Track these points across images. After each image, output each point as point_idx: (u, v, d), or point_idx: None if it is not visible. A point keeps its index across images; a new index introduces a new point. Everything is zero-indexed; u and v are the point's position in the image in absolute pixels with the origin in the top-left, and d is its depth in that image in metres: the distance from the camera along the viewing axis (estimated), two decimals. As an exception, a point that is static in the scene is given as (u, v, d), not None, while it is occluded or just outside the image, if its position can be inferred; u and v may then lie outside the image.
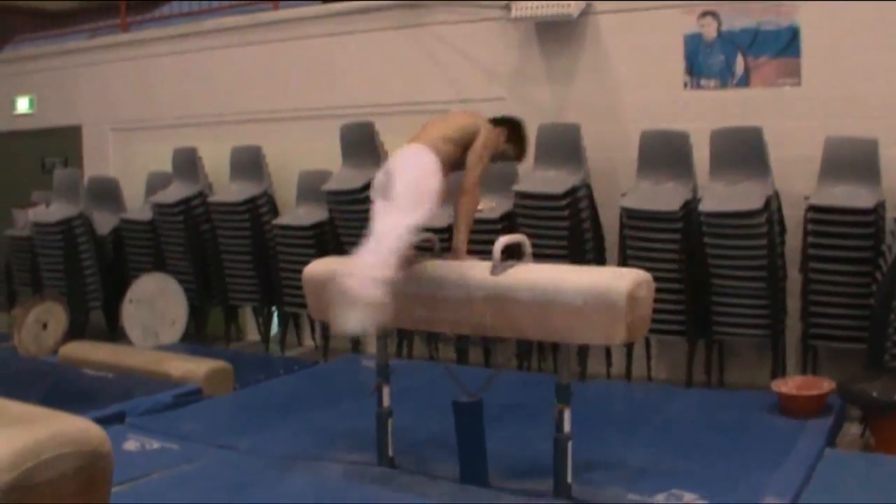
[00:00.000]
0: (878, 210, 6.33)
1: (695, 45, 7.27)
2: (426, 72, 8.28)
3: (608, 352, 7.40)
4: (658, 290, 4.63)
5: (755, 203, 6.50)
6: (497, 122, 5.15)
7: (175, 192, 9.03)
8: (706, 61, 7.24)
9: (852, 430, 5.95)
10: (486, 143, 4.95)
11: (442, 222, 7.41)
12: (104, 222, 9.48)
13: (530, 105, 7.83)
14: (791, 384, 5.99)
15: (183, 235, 8.96)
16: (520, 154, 5.28)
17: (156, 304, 8.76)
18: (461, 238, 4.90)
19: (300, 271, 5.34)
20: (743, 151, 6.76)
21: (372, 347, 7.20)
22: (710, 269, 6.72)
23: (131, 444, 5.54)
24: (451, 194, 4.95)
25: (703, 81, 7.28)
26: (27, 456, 2.15)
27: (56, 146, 10.84)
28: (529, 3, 7.58)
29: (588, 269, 4.96)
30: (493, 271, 4.53)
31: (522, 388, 6.32)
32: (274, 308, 8.93)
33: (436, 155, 4.81)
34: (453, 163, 4.93)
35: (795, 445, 5.19)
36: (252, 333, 9.38)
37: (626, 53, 7.51)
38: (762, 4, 6.99)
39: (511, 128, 5.17)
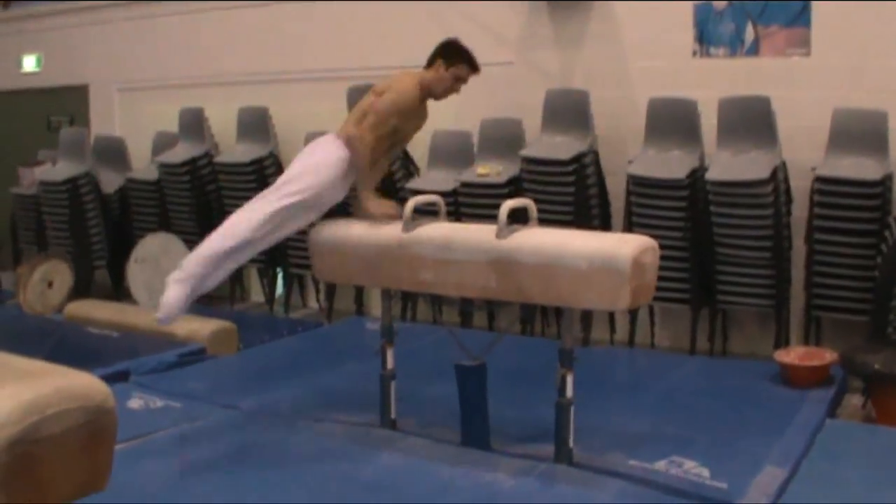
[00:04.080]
0: (885, 182, 6.32)
1: (705, 13, 7.23)
2: (434, 35, 8.19)
3: (612, 318, 7.42)
4: (663, 258, 4.63)
5: (762, 172, 6.49)
6: (430, 61, 5.11)
7: (181, 152, 9.02)
8: (716, 30, 7.21)
9: (853, 401, 5.96)
10: (385, 102, 4.95)
11: (448, 186, 7.44)
12: (110, 181, 9.49)
13: (538, 70, 7.82)
14: (793, 354, 6.00)
15: (189, 195, 8.97)
16: (468, 69, 5.09)
17: (161, 263, 8.75)
18: (360, 184, 5.01)
19: (306, 233, 5.34)
20: (751, 121, 6.74)
21: (376, 310, 7.22)
22: (715, 237, 6.72)
23: (135, 403, 5.56)
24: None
25: (712, 50, 7.25)
26: (32, 410, 2.16)
27: (62, 105, 10.82)
28: (540, -33, 7.56)
29: (594, 234, 4.95)
30: (499, 235, 4.53)
31: (526, 353, 6.34)
32: (279, 269, 8.94)
33: (345, 141, 4.96)
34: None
35: (796, 415, 5.20)
36: (257, 294, 9.40)
37: (635, 20, 7.47)
38: (773, -27, 6.96)
39: (444, 56, 5.08)
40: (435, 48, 5.12)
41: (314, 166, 4.95)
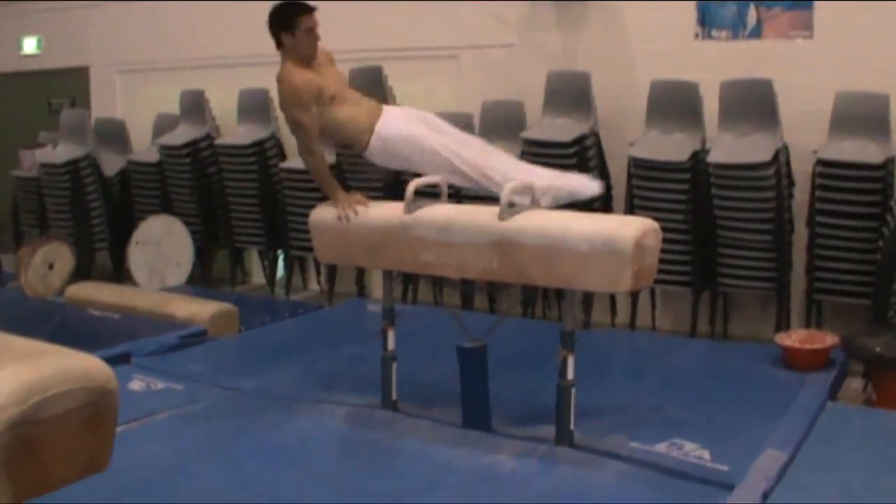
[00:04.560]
0: (887, 166, 6.31)
1: (707, -6, 7.22)
2: (436, 16, 8.23)
3: (613, 301, 7.43)
4: (664, 241, 4.63)
5: (764, 155, 6.48)
6: (276, 41, 5.05)
7: (182, 135, 9.02)
8: (718, 12, 7.19)
9: (854, 384, 5.97)
10: (282, 103, 4.96)
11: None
12: (111, 164, 9.49)
13: (540, 52, 7.80)
14: (794, 337, 5.99)
15: (190, 178, 8.97)
16: (306, 15, 5.01)
17: (162, 245, 8.77)
18: (325, 191, 5.05)
19: (307, 215, 5.33)
20: (753, 103, 6.73)
21: (377, 292, 7.22)
22: (716, 220, 6.71)
23: (136, 384, 5.57)
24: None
25: (714, 32, 7.23)
26: (35, 390, 2.17)
27: (63, 87, 10.80)
28: (542, -51, 7.54)
29: (595, 216, 4.95)
30: (501, 217, 4.52)
31: (527, 335, 6.34)
32: (280, 251, 8.94)
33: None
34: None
35: (797, 398, 5.20)
36: (258, 276, 9.40)
37: (637, 2, 7.45)
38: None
39: (281, 27, 5.01)
40: (269, 27, 5.05)
41: None
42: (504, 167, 5.01)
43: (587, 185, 5.12)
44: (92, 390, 2.31)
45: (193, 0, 9.55)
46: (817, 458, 4.37)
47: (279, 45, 5.03)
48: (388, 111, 5.07)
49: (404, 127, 4.98)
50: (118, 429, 2.47)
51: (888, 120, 6.42)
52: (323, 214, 5.14)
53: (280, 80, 4.96)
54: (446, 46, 8.17)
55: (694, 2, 7.25)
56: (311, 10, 5.02)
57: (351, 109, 5.03)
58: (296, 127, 4.95)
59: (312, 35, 5.02)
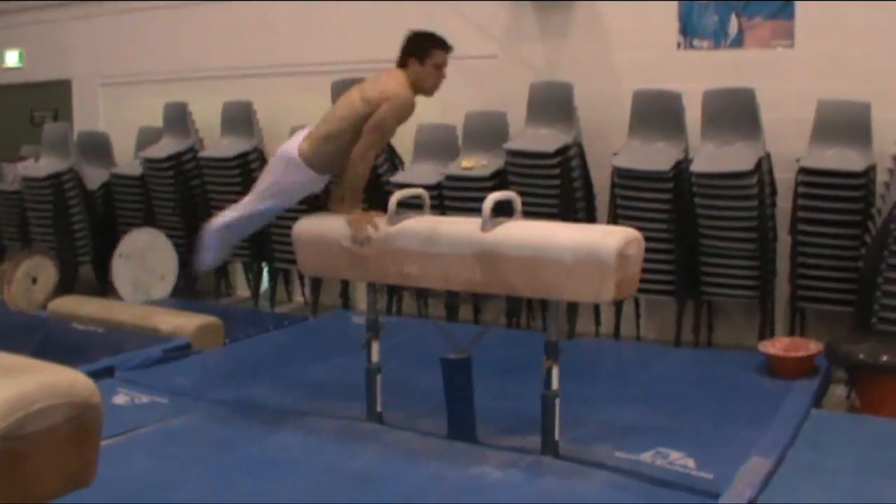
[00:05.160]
0: (869, 173, 6.34)
1: (689, 5, 7.24)
2: (418, 27, 8.22)
3: (597, 311, 7.44)
4: (648, 250, 4.64)
5: (746, 164, 6.50)
6: (401, 62, 5.03)
7: (166, 147, 8.99)
8: (700, 21, 7.22)
9: (838, 391, 5.98)
10: (388, 117, 4.86)
11: (433, 179, 7.45)
12: (94, 177, 9.45)
13: (523, 63, 7.82)
14: (778, 345, 6.02)
15: (173, 190, 8.94)
16: (442, 51, 5.01)
17: (146, 259, 8.75)
18: (347, 200, 4.99)
19: (290, 227, 5.34)
20: (735, 112, 6.75)
21: (362, 303, 7.22)
22: (700, 229, 6.73)
23: (121, 398, 5.56)
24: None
25: (696, 42, 7.26)
26: (18, 405, 2.16)
27: (46, 100, 10.78)
28: (523, -39, 7.55)
29: (578, 227, 4.97)
30: (483, 228, 4.53)
31: (511, 346, 6.34)
32: (264, 264, 8.93)
33: (301, 157, 5.03)
34: (342, 143, 4.97)
35: (782, 406, 5.22)
36: (242, 289, 9.38)
37: (619, 12, 7.48)
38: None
39: (414, 54, 5.00)
40: (402, 48, 5.03)
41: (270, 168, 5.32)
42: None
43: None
44: (76, 405, 2.31)
45: (176, 11, 9.55)
46: (802, 465, 4.39)
47: (403, 66, 5.00)
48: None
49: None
50: (103, 443, 2.47)
51: (869, 128, 6.44)
52: (307, 226, 5.14)
53: (397, 94, 4.87)
54: (429, 58, 8.19)
55: (676, 12, 7.28)
56: (448, 47, 5.03)
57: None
58: (379, 136, 4.92)
59: (440, 72, 5.00)
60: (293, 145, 5.06)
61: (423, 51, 4.95)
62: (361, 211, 4.96)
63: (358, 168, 4.90)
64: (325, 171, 5.06)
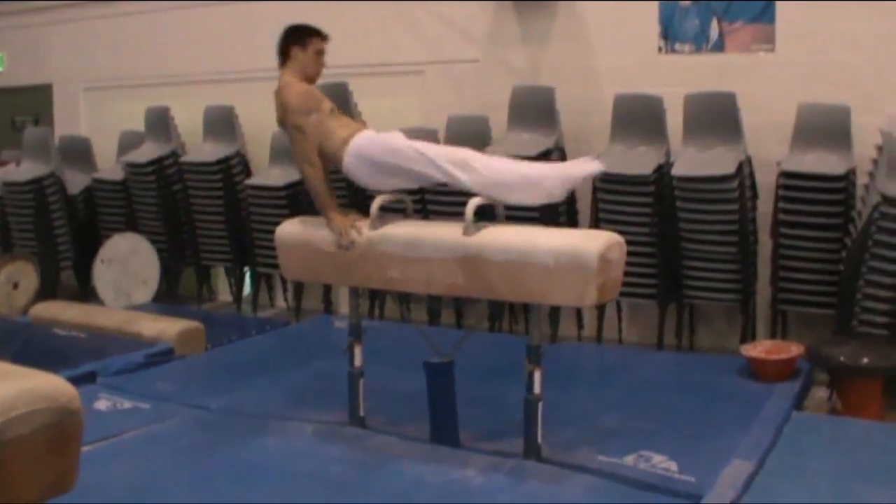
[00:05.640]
0: (849, 176, 6.37)
1: (670, 9, 7.27)
2: (400, 32, 8.25)
3: (579, 314, 7.45)
4: (630, 254, 4.66)
5: (727, 168, 6.52)
6: (283, 57, 5.11)
7: (147, 152, 8.97)
8: (681, 26, 7.25)
9: (819, 393, 6.01)
10: (293, 117, 4.93)
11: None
12: (75, 182, 9.43)
13: (505, 67, 7.83)
14: (760, 348, 6.04)
15: (155, 195, 8.92)
16: (320, 39, 5.12)
17: (128, 263, 8.73)
18: (319, 208, 4.99)
19: (273, 232, 5.33)
20: (716, 116, 6.78)
21: (344, 308, 7.22)
22: (681, 233, 6.75)
23: (103, 404, 5.54)
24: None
25: (677, 46, 7.29)
26: (-2, 411, 2.16)
27: (27, 104, 10.75)
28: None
29: (560, 231, 4.98)
30: (466, 232, 4.54)
31: (494, 350, 6.34)
32: (246, 268, 8.92)
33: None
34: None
35: (763, 408, 5.24)
36: (224, 294, 9.37)
37: (601, 17, 7.50)
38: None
39: (294, 42, 5.08)
40: (281, 40, 5.12)
41: None
42: (487, 160, 4.91)
43: (587, 167, 4.95)
44: (56, 410, 2.30)
45: (158, 15, 9.54)
46: (784, 468, 4.40)
47: (284, 60, 5.10)
48: (367, 130, 5.05)
49: (376, 135, 4.98)
50: (85, 449, 2.46)
51: (849, 131, 6.48)
52: (289, 231, 5.14)
53: (281, 88, 5.02)
54: (411, 62, 8.19)
55: (657, 16, 7.30)
56: (325, 35, 5.16)
57: (339, 122, 5.05)
58: (296, 133, 4.94)
59: (320, 58, 5.13)
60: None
61: (303, 38, 5.09)
62: (341, 216, 4.95)
63: (305, 174, 5.01)
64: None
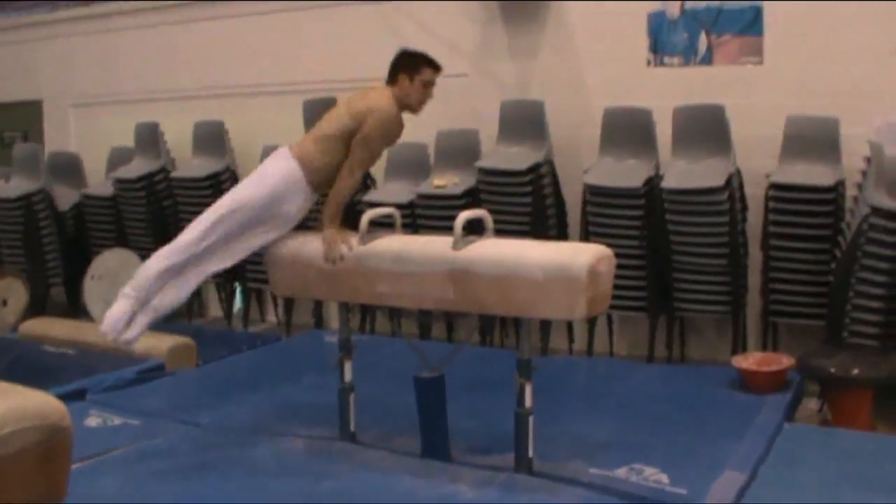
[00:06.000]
0: (838, 188, 6.39)
1: (658, 22, 7.28)
2: (389, 47, 8.19)
3: (570, 327, 7.44)
4: (620, 267, 4.67)
5: (717, 180, 6.54)
6: (391, 79, 5.05)
7: (137, 168, 8.97)
8: (670, 39, 7.27)
9: (811, 404, 6.01)
10: (372, 130, 4.87)
11: (404, 198, 7.45)
12: (65, 198, 9.41)
13: (494, 81, 7.84)
14: (751, 360, 6.04)
15: (145, 211, 8.91)
16: (432, 70, 5.05)
17: (118, 279, 8.66)
18: (326, 216, 4.94)
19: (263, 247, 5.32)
20: (705, 129, 6.79)
21: (335, 323, 7.21)
22: (671, 245, 6.76)
23: (93, 420, 5.52)
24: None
25: (666, 59, 7.30)
26: (-13, 429, 2.15)
27: (16, 120, 10.74)
28: (494, -21, 7.58)
29: (549, 245, 4.96)
30: (455, 246, 4.54)
31: (484, 363, 6.33)
32: (237, 284, 8.90)
33: (299, 162, 4.94)
34: (335, 158, 4.95)
35: (755, 420, 5.24)
36: (215, 309, 9.35)
37: (590, 30, 7.52)
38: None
39: (403, 69, 5.02)
40: (392, 63, 5.06)
41: (258, 177, 5.02)
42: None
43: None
44: (45, 428, 2.30)
45: (147, 31, 9.54)
46: (776, 479, 4.41)
47: (392, 82, 5.02)
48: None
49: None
50: (75, 465, 2.46)
51: (838, 143, 6.50)
52: (279, 247, 5.13)
53: (381, 108, 4.91)
54: (400, 76, 8.21)
55: (646, 29, 7.32)
56: (439, 68, 5.07)
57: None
58: (368, 154, 4.93)
59: (427, 90, 5.03)
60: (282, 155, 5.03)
61: (415, 66, 4.99)
62: (336, 229, 4.94)
63: (345, 183, 4.92)
64: (320, 186, 5.02)
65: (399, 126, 5.01)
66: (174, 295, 4.99)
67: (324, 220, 4.95)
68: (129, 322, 4.96)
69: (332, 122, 5.02)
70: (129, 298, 4.92)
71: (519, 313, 4.60)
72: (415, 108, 5.05)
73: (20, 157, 9.55)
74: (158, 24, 9.46)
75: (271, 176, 4.97)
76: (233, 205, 4.95)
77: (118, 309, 4.93)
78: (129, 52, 9.71)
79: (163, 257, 4.95)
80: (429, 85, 5.02)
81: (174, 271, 4.93)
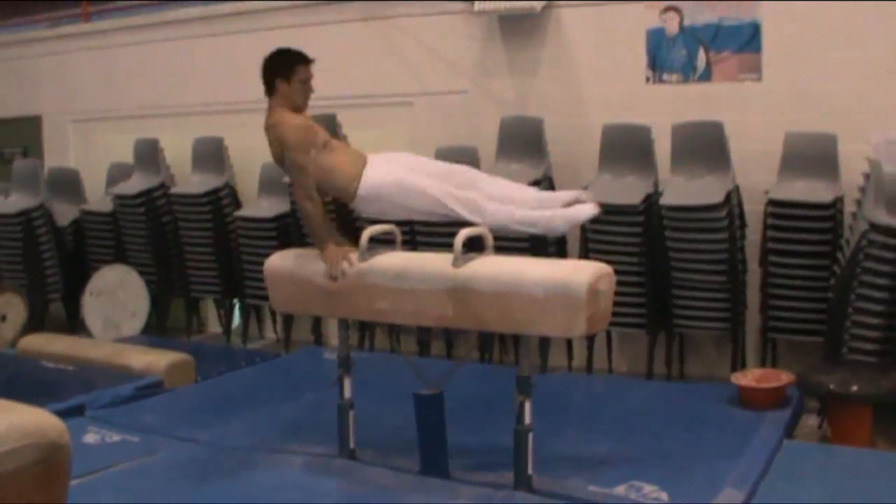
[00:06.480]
0: (837, 204, 6.40)
1: (657, 39, 7.30)
2: (389, 64, 8.28)
3: (569, 344, 7.43)
4: (619, 284, 4.66)
5: (716, 197, 6.54)
6: (269, 89, 5.00)
7: (136, 184, 8.97)
8: (668, 56, 7.28)
9: (810, 421, 6.01)
10: (287, 149, 4.85)
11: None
12: (64, 213, 9.42)
13: (493, 98, 7.85)
14: (750, 376, 6.04)
15: (144, 227, 8.92)
16: (304, 65, 5.02)
17: (116, 295, 8.71)
18: (315, 242, 4.95)
19: (262, 263, 5.33)
20: (704, 145, 6.80)
21: (334, 339, 7.21)
22: (670, 262, 6.75)
23: (91, 437, 5.51)
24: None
25: (665, 76, 7.32)
26: (-15, 447, 2.14)
27: (15, 136, 10.75)
28: (493, -1, 7.60)
29: (549, 262, 4.98)
30: (454, 263, 4.54)
31: (484, 381, 6.33)
32: (235, 300, 8.90)
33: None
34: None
35: (754, 437, 5.23)
36: (213, 326, 9.34)
37: (588, 47, 7.53)
38: (724, 1, 7.04)
39: (276, 74, 4.97)
40: (263, 74, 5.02)
41: None
42: (495, 193, 4.92)
43: (583, 212, 4.92)
44: (44, 446, 2.29)
45: (146, 47, 9.56)
46: (775, 496, 4.40)
47: (270, 91, 4.99)
48: (373, 159, 4.99)
49: (390, 171, 4.91)
50: (73, 482, 2.45)
51: (836, 160, 6.51)
52: (278, 263, 5.13)
53: (275, 125, 4.90)
54: (400, 93, 8.21)
55: (645, 46, 7.33)
56: (309, 60, 5.04)
57: (340, 157, 4.98)
58: (297, 172, 4.87)
59: (307, 86, 5.02)
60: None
61: (286, 69, 4.97)
62: (335, 246, 4.93)
63: (304, 210, 4.92)
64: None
65: (306, 124, 4.96)
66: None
67: (316, 246, 4.95)
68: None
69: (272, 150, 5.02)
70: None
71: (518, 330, 4.60)
72: (301, 107, 5.02)
73: (20, 172, 9.56)
74: (158, 40, 9.48)
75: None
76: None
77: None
78: (128, 68, 9.72)
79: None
80: (307, 80, 5.01)
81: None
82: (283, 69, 4.96)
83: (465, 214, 4.78)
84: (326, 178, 4.91)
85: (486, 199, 4.84)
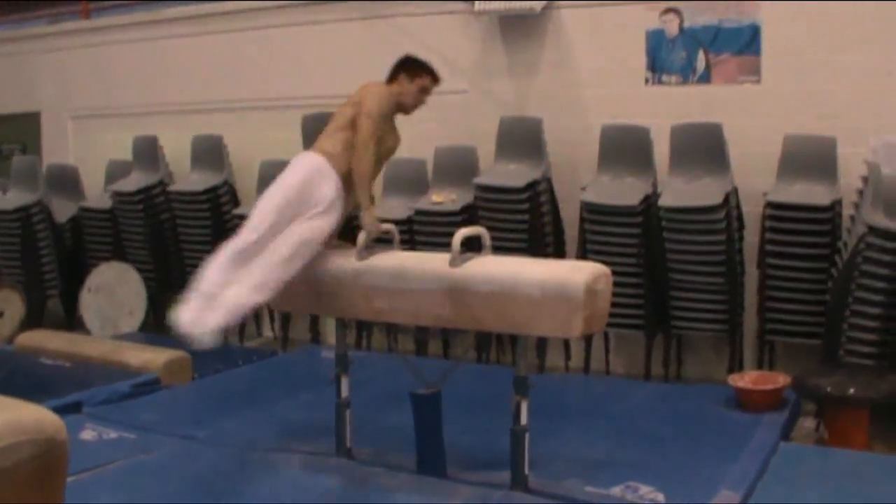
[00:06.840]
0: (835, 207, 6.40)
1: (657, 40, 7.30)
2: (388, 63, 8.25)
3: (567, 345, 7.44)
4: (617, 285, 4.66)
5: (714, 199, 6.55)
6: (391, 77, 5.18)
7: (135, 181, 8.97)
8: (668, 57, 7.28)
9: (807, 423, 6.01)
10: (371, 105, 4.95)
11: (402, 214, 7.45)
12: (63, 210, 9.41)
13: (492, 98, 7.86)
14: (747, 378, 6.04)
15: (142, 224, 8.91)
16: (431, 79, 5.19)
17: (114, 292, 8.70)
18: (361, 198, 4.97)
19: (260, 262, 5.31)
20: (703, 147, 6.81)
21: (331, 338, 7.21)
22: (668, 263, 6.76)
23: (88, 434, 5.51)
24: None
25: (664, 77, 7.32)
26: (-18, 444, 2.14)
27: (14, 133, 10.75)
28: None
29: (547, 262, 4.98)
30: (452, 263, 4.54)
31: (481, 380, 6.33)
32: (233, 298, 8.88)
33: (322, 155, 4.98)
34: (349, 146, 4.98)
35: (751, 439, 5.23)
36: (211, 323, 9.32)
37: (588, 48, 7.54)
38: (724, 3, 7.04)
39: (406, 70, 5.15)
40: (395, 63, 5.18)
41: (288, 172, 5.05)
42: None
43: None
44: (41, 442, 2.29)
45: (146, 44, 9.55)
46: (771, 499, 4.41)
47: (390, 80, 5.16)
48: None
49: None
50: (70, 479, 2.45)
51: (835, 162, 6.51)
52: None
53: (374, 87, 5.07)
54: (399, 92, 8.23)
55: (644, 47, 7.34)
56: (438, 79, 5.21)
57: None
58: (368, 120, 4.93)
59: (421, 97, 5.17)
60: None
61: (416, 69, 5.14)
62: (372, 214, 4.99)
63: (360, 156, 4.92)
64: (344, 173, 4.98)
65: (391, 119, 5.12)
66: (237, 290, 4.90)
67: (361, 203, 4.98)
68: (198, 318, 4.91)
69: (338, 118, 5.09)
70: (196, 295, 4.91)
71: (516, 330, 4.60)
72: (407, 110, 5.18)
73: (18, 169, 9.56)
74: (158, 38, 9.48)
75: (299, 166, 5.02)
76: (272, 198, 4.94)
77: (188, 309, 4.93)
78: (128, 65, 9.72)
79: (220, 253, 4.96)
80: (425, 91, 5.16)
81: (234, 264, 4.91)
82: (414, 69, 5.16)
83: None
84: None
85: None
